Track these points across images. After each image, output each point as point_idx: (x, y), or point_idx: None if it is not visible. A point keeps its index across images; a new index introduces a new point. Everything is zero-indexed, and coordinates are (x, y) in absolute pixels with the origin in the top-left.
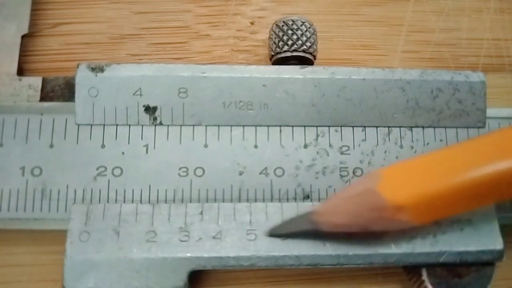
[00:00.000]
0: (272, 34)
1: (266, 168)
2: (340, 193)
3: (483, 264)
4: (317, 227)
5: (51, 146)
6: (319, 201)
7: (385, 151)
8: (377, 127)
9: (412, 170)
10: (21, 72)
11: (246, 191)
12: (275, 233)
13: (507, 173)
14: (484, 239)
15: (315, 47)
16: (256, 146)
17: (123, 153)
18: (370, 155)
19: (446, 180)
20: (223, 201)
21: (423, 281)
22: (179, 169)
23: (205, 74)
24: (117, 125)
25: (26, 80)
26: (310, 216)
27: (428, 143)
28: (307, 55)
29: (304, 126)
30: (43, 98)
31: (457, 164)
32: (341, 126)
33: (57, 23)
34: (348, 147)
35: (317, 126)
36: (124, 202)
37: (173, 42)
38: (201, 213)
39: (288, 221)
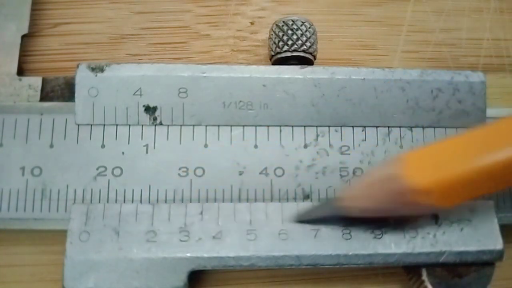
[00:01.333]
0: (272, 34)
1: (266, 168)
2: (364, 178)
3: (483, 264)
4: (344, 213)
5: (51, 146)
6: (319, 201)
7: (385, 151)
8: (377, 127)
9: (436, 153)
10: (21, 72)
11: (246, 191)
12: (302, 219)
13: None
14: (484, 239)
15: (315, 47)
16: (256, 146)
17: (123, 153)
18: (370, 155)
19: (472, 162)
20: (223, 201)
21: (423, 281)
22: (179, 169)
23: (205, 74)
24: (117, 125)
25: (26, 80)
26: (336, 202)
27: (428, 143)
28: (307, 55)
29: (304, 126)
30: (43, 98)
31: (482, 146)
32: (341, 126)
33: (57, 23)
34: (348, 147)
35: (317, 126)
36: (124, 202)
37: (173, 42)
38: (201, 213)
39: (315, 207)
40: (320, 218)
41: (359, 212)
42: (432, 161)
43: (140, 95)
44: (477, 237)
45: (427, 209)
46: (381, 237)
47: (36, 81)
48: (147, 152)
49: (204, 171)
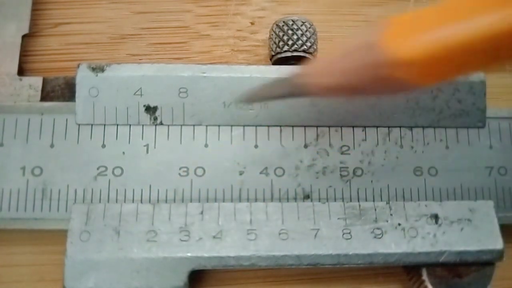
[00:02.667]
0: (272, 34)
1: (266, 168)
2: (335, 50)
3: (483, 264)
4: (303, 91)
5: (52, 146)
6: (319, 201)
7: (385, 151)
8: (377, 127)
9: (423, 18)
10: (21, 72)
11: (246, 191)
12: (251, 98)
13: None
14: (484, 239)
15: (315, 47)
16: (256, 146)
17: (123, 153)
18: (370, 155)
19: (460, 30)
20: (224, 201)
21: (423, 281)
22: (180, 169)
23: (205, 74)
24: (117, 125)
25: (27, 80)
26: (294, 79)
27: (428, 143)
28: (307, 55)
29: (304, 126)
30: (43, 98)
31: (472, 10)
32: (341, 126)
33: (57, 23)
34: (348, 147)
35: (317, 126)
36: (125, 202)
37: (173, 42)
38: (202, 213)
39: (266, 84)
40: (273, 97)
41: (322, 90)
42: (417, 27)
43: (141, 95)
44: (477, 237)
45: (404, 87)
46: (381, 237)
47: (36, 81)
48: (147, 152)
49: (204, 171)
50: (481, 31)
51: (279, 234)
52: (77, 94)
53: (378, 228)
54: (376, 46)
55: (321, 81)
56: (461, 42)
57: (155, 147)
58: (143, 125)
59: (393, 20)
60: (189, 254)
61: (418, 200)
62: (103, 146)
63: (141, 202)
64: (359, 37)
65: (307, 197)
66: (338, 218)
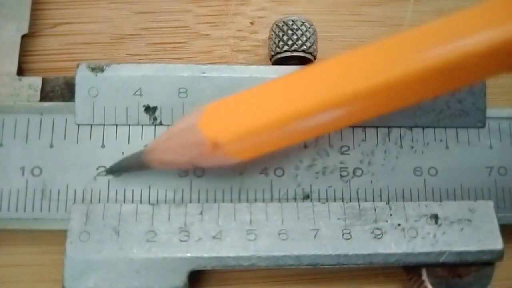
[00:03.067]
0: (272, 34)
1: (266, 168)
2: (168, 130)
3: (483, 264)
4: (148, 165)
5: (51, 146)
6: (319, 201)
7: (385, 151)
8: (377, 127)
9: (234, 104)
10: (21, 72)
11: (246, 191)
12: (111, 171)
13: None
14: (484, 239)
15: (315, 47)
16: None
17: (123, 153)
18: (370, 155)
19: (265, 115)
20: (223, 201)
21: (423, 281)
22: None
23: (205, 74)
24: (117, 125)
25: (26, 80)
26: (141, 154)
27: (428, 143)
28: (307, 55)
29: None
30: (43, 98)
31: (273, 98)
32: None
33: (57, 23)
34: (348, 147)
35: None
36: (124, 202)
37: (173, 42)
38: (201, 213)
39: (125, 158)
40: (127, 170)
41: (162, 164)
42: (228, 112)
43: (140, 95)
44: (477, 237)
45: (226, 161)
46: (381, 237)
47: (36, 81)
48: None
49: (204, 171)
50: (277, 117)
51: (279, 234)
52: (76, 94)
53: (378, 228)
54: (196, 129)
55: (159, 157)
56: (262, 126)
57: None
58: (142, 125)
59: (209, 107)
60: (188, 255)
61: (418, 200)
62: (103, 146)
63: (141, 202)
64: (185, 119)
65: (307, 197)
66: (338, 218)
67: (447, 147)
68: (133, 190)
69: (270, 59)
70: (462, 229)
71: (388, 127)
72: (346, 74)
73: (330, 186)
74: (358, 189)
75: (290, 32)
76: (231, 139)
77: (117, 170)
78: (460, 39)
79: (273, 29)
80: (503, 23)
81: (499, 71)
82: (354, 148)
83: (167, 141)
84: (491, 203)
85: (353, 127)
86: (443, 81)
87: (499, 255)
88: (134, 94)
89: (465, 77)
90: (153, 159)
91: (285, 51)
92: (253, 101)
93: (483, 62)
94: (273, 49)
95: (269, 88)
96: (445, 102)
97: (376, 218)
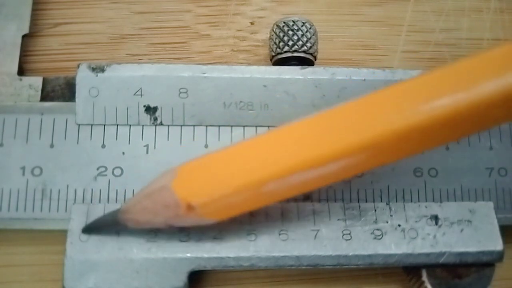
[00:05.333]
0: (272, 35)
1: None
2: (141, 190)
3: (483, 265)
4: (123, 224)
5: (52, 146)
6: (319, 201)
7: None
8: None
9: (208, 165)
10: (21, 72)
11: None
12: (87, 230)
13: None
14: (484, 240)
15: (315, 48)
16: None
17: (123, 153)
18: None
19: (240, 176)
20: None
21: (423, 282)
22: None
23: (205, 74)
24: (117, 125)
25: (27, 80)
26: (116, 214)
27: None
28: (308, 56)
29: None
30: (43, 98)
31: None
32: None
33: (58, 23)
34: None
35: None
36: (124, 202)
37: (173, 42)
38: None
39: (99, 218)
40: (103, 229)
41: (137, 224)
42: (202, 173)
43: (141, 95)
44: (477, 238)
45: (202, 222)
46: (381, 237)
47: (36, 81)
48: (147, 152)
49: None
50: (250, 181)
51: (279, 234)
52: (77, 94)
53: (378, 229)
54: (169, 191)
55: (134, 217)
56: (234, 189)
57: (155, 148)
58: (143, 125)
59: (182, 167)
60: (188, 255)
61: (418, 201)
62: (103, 146)
63: None
64: (159, 179)
65: (307, 197)
66: (338, 219)
67: (447, 148)
68: (133, 190)
69: (271, 60)
70: (462, 230)
71: None
72: (327, 132)
73: (330, 187)
74: (358, 190)
75: (290, 32)
76: (205, 201)
77: (93, 228)
78: (466, 88)
79: (274, 29)
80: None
81: (505, 120)
82: None
83: (142, 201)
84: (491, 204)
85: None
86: (445, 133)
87: (499, 256)
88: (134, 94)
89: (469, 127)
90: (128, 219)
91: (286, 51)
92: (228, 161)
93: (491, 111)
94: (274, 50)
95: (244, 148)
96: None
97: (376, 219)
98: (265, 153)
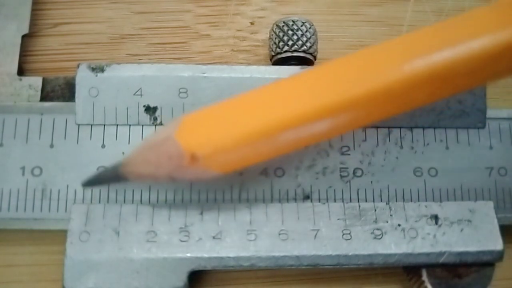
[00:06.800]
0: (272, 35)
1: (266, 168)
2: (144, 142)
3: (483, 264)
4: (124, 177)
5: (51, 146)
6: (319, 201)
7: (385, 151)
8: (377, 127)
9: (213, 115)
10: (21, 72)
11: (246, 191)
12: (88, 183)
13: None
14: (484, 240)
15: (315, 48)
16: None
17: (123, 153)
18: (370, 155)
19: (245, 126)
20: (223, 202)
21: (423, 282)
22: None
23: (205, 74)
24: (117, 125)
25: (27, 80)
26: (118, 167)
27: (428, 144)
28: (308, 56)
29: None
30: (43, 98)
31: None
32: None
33: (57, 23)
34: (348, 147)
35: None
36: (124, 202)
37: (173, 42)
38: (201, 213)
39: (100, 172)
40: (103, 182)
41: (138, 177)
42: (207, 123)
43: (141, 95)
44: (477, 237)
45: (206, 174)
46: (381, 237)
47: (36, 81)
48: None
49: None
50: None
51: (279, 234)
52: (77, 94)
53: (378, 229)
54: (173, 141)
55: (136, 169)
56: (240, 139)
57: None
58: (143, 126)
59: (186, 118)
60: (188, 255)
61: (418, 200)
62: (103, 146)
63: (141, 202)
64: (162, 130)
65: (307, 197)
66: (338, 219)
67: (447, 148)
68: (133, 190)
69: (270, 59)
70: (462, 230)
71: (388, 128)
72: (330, 82)
73: (330, 187)
74: (358, 190)
75: (290, 32)
76: (210, 151)
77: (94, 182)
78: (462, 41)
79: (273, 29)
80: (506, 26)
81: (501, 75)
82: (354, 148)
83: (144, 153)
84: (491, 204)
85: None
86: (441, 86)
87: (499, 256)
88: (134, 94)
89: (467, 81)
90: (130, 171)
91: (286, 51)
92: (233, 111)
93: (485, 65)
94: (273, 50)
95: (250, 98)
96: (445, 103)
97: (376, 219)
98: (269, 103)
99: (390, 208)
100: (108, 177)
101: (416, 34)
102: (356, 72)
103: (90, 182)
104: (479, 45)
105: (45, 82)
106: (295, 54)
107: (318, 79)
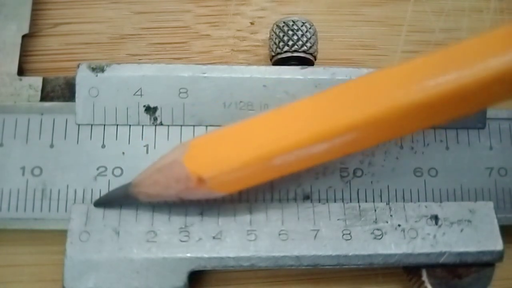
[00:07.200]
0: (272, 35)
1: None
2: (152, 165)
3: (483, 265)
4: (134, 198)
5: (51, 146)
6: (319, 201)
7: (385, 151)
8: None
9: (218, 139)
10: (21, 72)
11: (246, 191)
12: (99, 203)
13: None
14: (484, 240)
15: (315, 48)
16: None
17: (123, 153)
18: (370, 155)
19: (250, 150)
20: (223, 202)
21: (423, 282)
22: None
23: (205, 74)
24: (117, 125)
25: (27, 80)
26: (128, 188)
27: (428, 144)
28: (308, 56)
29: None
30: (43, 98)
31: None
32: None
33: (57, 23)
34: None
35: None
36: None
37: (173, 42)
38: (201, 213)
39: (111, 192)
40: (114, 202)
41: (148, 197)
42: (212, 147)
43: (141, 95)
44: (477, 238)
45: (212, 195)
46: (381, 237)
47: (36, 81)
48: (147, 152)
49: None
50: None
51: (279, 234)
52: (77, 94)
53: (378, 229)
54: (180, 165)
55: (146, 190)
56: (245, 163)
57: (155, 148)
58: (143, 126)
59: (193, 142)
60: (188, 255)
61: (418, 201)
62: (103, 146)
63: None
64: (171, 154)
65: (307, 197)
66: (338, 219)
67: (447, 148)
68: None
69: (271, 60)
70: (462, 230)
71: None
72: (330, 110)
73: (330, 187)
74: (358, 190)
75: (290, 32)
76: (215, 174)
77: (105, 202)
78: (471, 65)
79: (274, 29)
80: (504, 53)
81: (501, 98)
82: None
83: (153, 175)
84: (491, 204)
85: None
86: (438, 113)
87: (499, 256)
88: (134, 94)
89: (464, 107)
90: (139, 192)
91: (286, 51)
92: (237, 137)
93: (480, 92)
94: (274, 50)
95: (252, 124)
96: None
97: (376, 219)
98: (272, 128)
99: (390, 208)
100: (119, 197)
101: (413, 62)
102: (354, 99)
103: (101, 202)
104: (473, 73)
105: (45, 82)
106: (295, 54)
107: (317, 106)
